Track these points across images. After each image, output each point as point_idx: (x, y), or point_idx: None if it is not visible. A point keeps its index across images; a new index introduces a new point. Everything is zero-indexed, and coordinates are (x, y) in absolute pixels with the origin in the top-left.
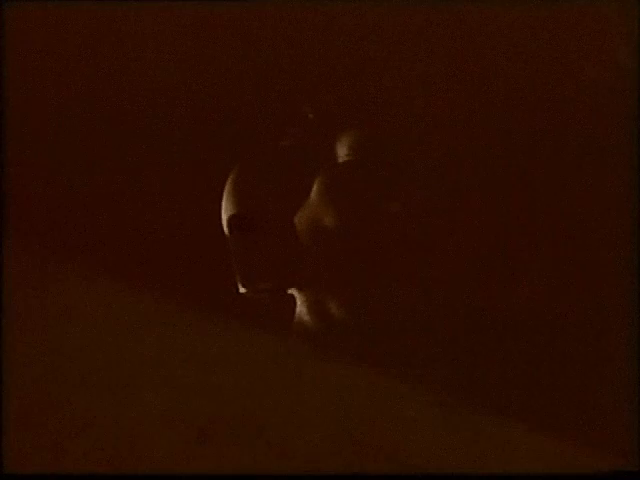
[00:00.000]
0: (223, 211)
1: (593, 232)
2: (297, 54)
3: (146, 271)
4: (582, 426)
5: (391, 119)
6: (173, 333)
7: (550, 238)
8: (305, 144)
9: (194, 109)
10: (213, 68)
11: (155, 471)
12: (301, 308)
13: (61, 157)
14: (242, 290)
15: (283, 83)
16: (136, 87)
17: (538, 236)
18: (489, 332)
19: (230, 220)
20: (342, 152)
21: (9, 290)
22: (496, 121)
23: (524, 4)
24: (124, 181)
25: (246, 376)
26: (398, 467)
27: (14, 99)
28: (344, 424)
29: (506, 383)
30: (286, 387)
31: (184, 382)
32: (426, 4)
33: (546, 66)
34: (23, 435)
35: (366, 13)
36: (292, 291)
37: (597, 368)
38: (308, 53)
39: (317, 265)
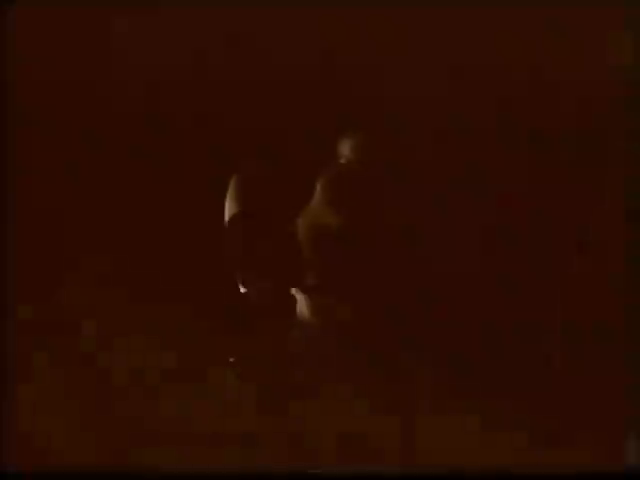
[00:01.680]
0: (226, 211)
1: (589, 229)
2: (300, 59)
3: (149, 272)
4: (582, 426)
5: (393, 122)
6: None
7: (549, 237)
8: (308, 147)
9: (199, 113)
10: (218, 71)
11: (156, 470)
12: (302, 307)
13: (65, 161)
14: (243, 290)
15: (286, 87)
16: (143, 91)
17: (537, 236)
18: (490, 333)
19: (233, 219)
20: (344, 155)
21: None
22: (495, 123)
23: (524, 6)
24: (130, 180)
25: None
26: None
27: (15, 100)
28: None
29: (507, 385)
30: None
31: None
32: (426, 7)
33: (546, 66)
34: (23, 434)
35: (367, 20)
36: (293, 291)
37: (597, 370)
38: (311, 58)
39: (319, 265)
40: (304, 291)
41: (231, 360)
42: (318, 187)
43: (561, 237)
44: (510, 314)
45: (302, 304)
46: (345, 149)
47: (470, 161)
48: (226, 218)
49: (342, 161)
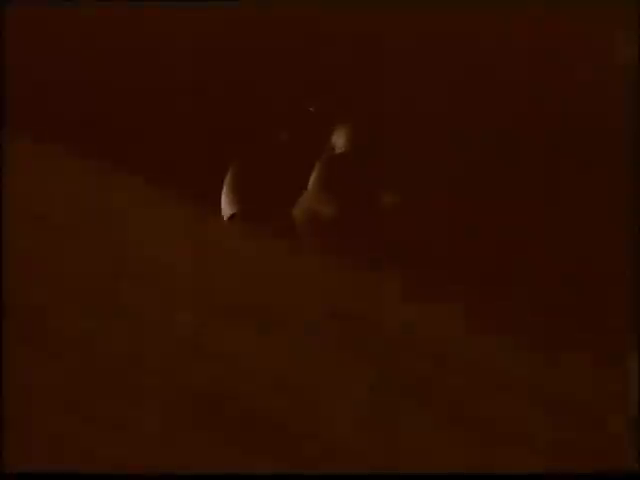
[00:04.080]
0: (224, 208)
1: (591, 232)
2: (296, 51)
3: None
4: (582, 425)
5: (387, 113)
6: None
7: (547, 239)
8: (303, 138)
9: (194, 106)
10: (214, 65)
11: (157, 470)
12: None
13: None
14: (227, 216)
15: (282, 79)
16: (135, 82)
17: (535, 233)
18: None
19: (232, 219)
20: (339, 144)
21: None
22: (492, 116)
23: (524, 5)
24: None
25: None
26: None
27: (13, 100)
28: None
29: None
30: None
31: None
32: (426, 5)
33: (546, 66)
34: (23, 434)
35: (363, 12)
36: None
37: (597, 366)
38: (307, 49)
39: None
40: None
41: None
42: (312, 177)
43: (561, 237)
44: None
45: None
46: (340, 140)
47: (467, 157)
48: (224, 214)
49: (337, 151)
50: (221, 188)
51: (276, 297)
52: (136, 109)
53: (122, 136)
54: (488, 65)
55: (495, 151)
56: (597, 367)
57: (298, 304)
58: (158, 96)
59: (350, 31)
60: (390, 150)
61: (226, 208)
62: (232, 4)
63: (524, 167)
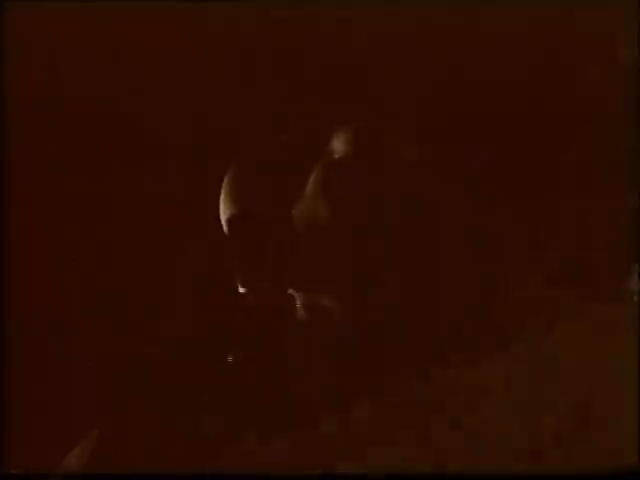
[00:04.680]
0: (222, 211)
1: (590, 232)
2: (295, 50)
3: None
4: (582, 425)
5: (389, 115)
6: None
7: (550, 237)
8: (303, 140)
9: (191, 108)
10: (211, 65)
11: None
12: (299, 306)
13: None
14: (242, 290)
15: (280, 80)
16: (133, 81)
17: (539, 235)
18: (487, 330)
19: (230, 220)
20: (338, 147)
21: None
22: (495, 121)
23: (523, 5)
24: (119, 185)
25: None
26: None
27: (13, 100)
28: None
29: (507, 379)
30: None
31: None
32: (426, 3)
33: (546, 67)
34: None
35: (364, 11)
36: (291, 291)
37: (597, 366)
38: (306, 49)
39: (312, 261)
40: (301, 289)
41: (230, 360)
42: (311, 180)
43: (563, 238)
44: (511, 312)
45: (300, 302)
46: (340, 143)
47: (469, 158)
48: (223, 218)
49: (337, 155)
50: (219, 190)
51: None
52: (133, 110)
53: (120, 137)
54: (487, 65)
55: (495, 152)
56: (597, 364)
57: None
58: (154, 97)
59: (350, 31)
60: (393, 154)
61: (224, 210)
62: (232, 4)
63: (522, 169)
